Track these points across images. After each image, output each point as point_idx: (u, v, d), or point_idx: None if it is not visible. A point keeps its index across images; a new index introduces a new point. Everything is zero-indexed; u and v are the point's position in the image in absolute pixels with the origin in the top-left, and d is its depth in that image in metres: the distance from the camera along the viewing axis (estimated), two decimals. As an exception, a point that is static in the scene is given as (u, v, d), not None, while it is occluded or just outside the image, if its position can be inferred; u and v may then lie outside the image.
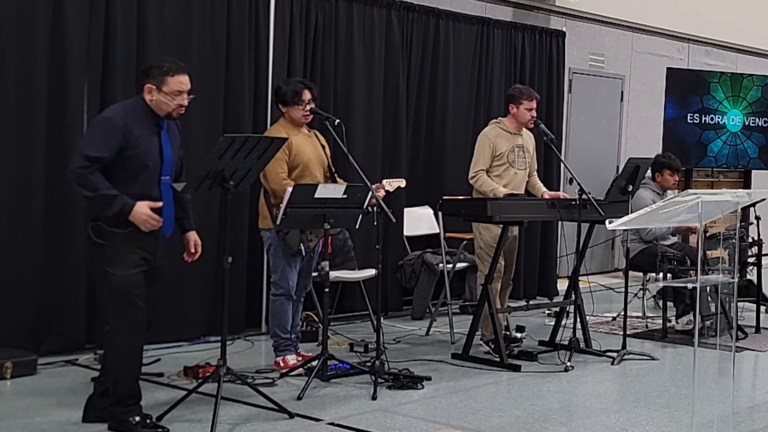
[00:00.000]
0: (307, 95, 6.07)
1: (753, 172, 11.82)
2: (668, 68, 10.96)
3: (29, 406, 5.16)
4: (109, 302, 4.67)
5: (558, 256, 9.69)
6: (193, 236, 5.02)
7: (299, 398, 5.41)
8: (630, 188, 6.74)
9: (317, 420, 5.09)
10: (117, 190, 4.55)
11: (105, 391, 4.79)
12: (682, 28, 12.18)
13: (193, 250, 5.03)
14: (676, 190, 8.67)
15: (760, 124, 11.26)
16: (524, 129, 6.91)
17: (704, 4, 12.36)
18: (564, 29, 10.01)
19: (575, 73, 10.74)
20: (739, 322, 7.58)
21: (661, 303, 7.87)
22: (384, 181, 6.16)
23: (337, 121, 5.89)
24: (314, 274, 6.34)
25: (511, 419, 5.24)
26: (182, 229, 5.00)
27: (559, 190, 9.08)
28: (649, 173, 8.24)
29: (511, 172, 6.77)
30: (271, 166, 5.62)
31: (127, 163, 4.61)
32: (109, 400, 4.73)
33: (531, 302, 8.59)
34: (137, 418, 4.69)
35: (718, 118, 11.04)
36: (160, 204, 4.68)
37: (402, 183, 6.34)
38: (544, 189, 7.04)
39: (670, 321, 7.63)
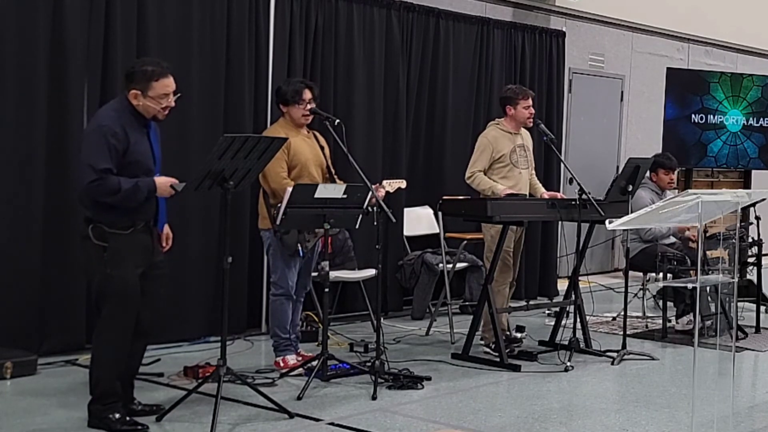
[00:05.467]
0: (308, 95, 6.07)
1: (753, 172, 11.81)
2: (668, 68, 10.96)
3: (29, 406, 5.16)
4: (105, 303, 4.71)
5: (558, 256, 9.69)
6: (165, 229, 5.08)
7: (299, 398, 5.41)
8: (630, 188, 6.73)
9: (317, 420, 5.09)
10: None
11: None
12: (682, 28, 12.18)
13: (164, 243, 5.09)
14: (676, 190, 8.68)
15: (760, 124, 11.26)
16: (522, 128, 6.92)
17: (704, 4, 12.36)
18: (564, 29, 10.01)
19: (575, 73, 10.74)
20: (739, 322, 7.58)
21: (661, 303, 7.87)
22: (384, 182, 6.16)
23: (337, 121, 5.90)
24: (314, 274, 6.34)
25: (511, 419, 5.24)
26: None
27: (558, 190, 9.09)
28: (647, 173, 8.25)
29: (516, 172, 6.77)
30: (271, 166, 5.62)
31: (126, 168, 4.68)
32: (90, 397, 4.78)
33: (531, 302, 8.59)
34: (117, 416, 4.74)
35: (718, 118, 11.04)
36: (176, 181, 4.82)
37: (402, 184, 6.34)
38: (543, 189, 7.05)
39: (670, 321, 7.63)
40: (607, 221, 4.85)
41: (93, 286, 4.83)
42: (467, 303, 8.25)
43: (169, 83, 4.79)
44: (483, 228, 6.88)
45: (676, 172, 8.61)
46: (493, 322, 6.45)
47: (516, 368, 6.31)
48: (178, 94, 4.86)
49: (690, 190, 4.61)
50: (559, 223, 9.04)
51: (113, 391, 4.77)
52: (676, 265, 7.55)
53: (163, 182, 4.75)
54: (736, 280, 5.21)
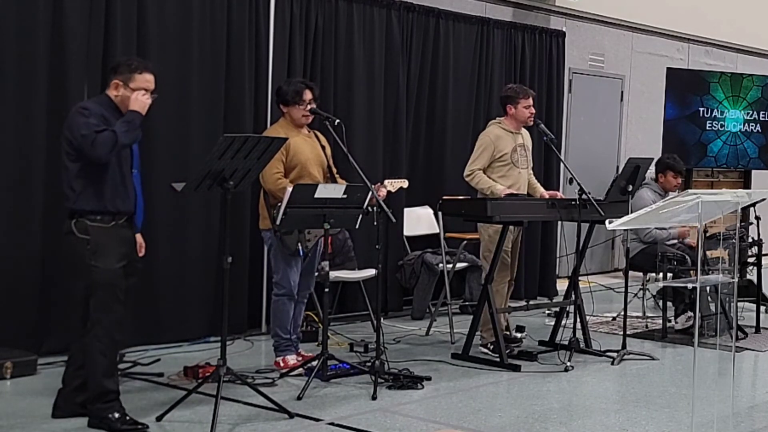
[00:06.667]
0: (308, 95, 6.07)
1: (753, 172, 11.81)
2: (668, 68, 10.96)
3: (29, 406, 5.16)
4: (92, 296, 4.71)
5: (558, 256, 9.69)
6: (138, 238, 5.07)
7: (299, 398, 5.41)
8: (630, 188, 6.74)
9: (317, 420, 5.09)
10: (93, 186, 4.69)
11: (80, 385, 4.83)
12: (682, 28, 12.18)
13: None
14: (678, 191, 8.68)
15: (760, 125, 11.26)
16: (522, 127, 6.92)
17: (704, 4, 12.36)
18: (564, 29, 10.01)
19: (575, 73, 10.74)
20: (739, 322, 7.58)
21: (661, 303, 7.87)
22: (386, 181, 6.16)
23: (337, 121, 5.90)
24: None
25: (511, 419, 5.24)
26: None
27: (558, 190, 9.08)
28: (652, 174, 8.25)
29: (515, 171, 6.77)
30: (267, 167, 5.61)
31: None
32: (87, 396, 4.77)
33: (531, 302, 8.60)
34: (116, 415, 4.73)
35: (718, 118, 11.03)
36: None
37: (404, 183, 6.34)
38: (542, 189, 7.05)
39: (670, 321, 7.63)
40: (607, 221, 4.85)
41: (81, 283, 4.80)
42: (467, 303, 8.25)
43: (150, 79, 4.82)
44: (479, 228, 6.86)
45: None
46: (492, 322, 6.45)
47: (516, 368, 6.31)
48: (155, 95, 4.88)
49: (690, 190, 4.60)
50: (559, 223, 9.04)
51: (111, 388, 4.75)
52: (676, 265, 7.55)
53: (135, 99, 4.71)
54: (736, 280, 5.22)
